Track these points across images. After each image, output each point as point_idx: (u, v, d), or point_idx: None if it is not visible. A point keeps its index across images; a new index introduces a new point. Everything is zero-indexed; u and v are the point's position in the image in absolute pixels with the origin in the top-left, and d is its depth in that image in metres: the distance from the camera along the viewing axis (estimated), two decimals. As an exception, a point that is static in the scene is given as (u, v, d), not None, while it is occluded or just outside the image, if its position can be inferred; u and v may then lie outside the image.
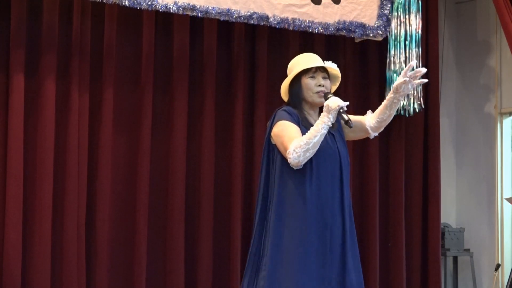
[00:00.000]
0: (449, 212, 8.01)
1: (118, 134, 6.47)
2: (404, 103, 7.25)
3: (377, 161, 7.41)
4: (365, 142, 7.30)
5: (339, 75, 4.35)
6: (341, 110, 4.07)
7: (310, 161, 4.12)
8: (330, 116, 4.05)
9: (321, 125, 4.05)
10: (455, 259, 7.84)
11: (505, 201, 7.65)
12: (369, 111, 4.37)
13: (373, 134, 4.35)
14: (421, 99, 7.32)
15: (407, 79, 4.10)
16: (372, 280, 7.23)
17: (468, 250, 7.77)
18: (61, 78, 6.22)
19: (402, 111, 7.29)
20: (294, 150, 4.05)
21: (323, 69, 4.26)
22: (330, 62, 4.29)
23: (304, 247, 4.08)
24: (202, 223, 6.63)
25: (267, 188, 4.24)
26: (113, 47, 6.40)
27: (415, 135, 7.65)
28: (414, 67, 4.13)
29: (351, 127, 4.12)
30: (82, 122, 6.26)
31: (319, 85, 4.23)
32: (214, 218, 6.70)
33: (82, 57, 6.28)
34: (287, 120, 4.18)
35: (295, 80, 4.26)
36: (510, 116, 7.84)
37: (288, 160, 4.08)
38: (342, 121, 4.15)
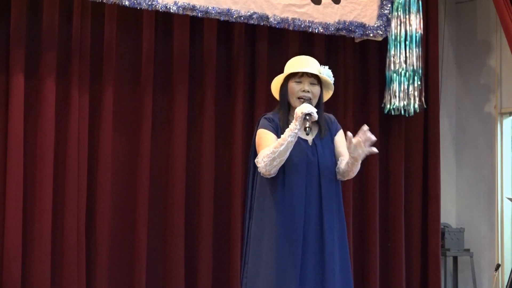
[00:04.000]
0: (449, 212, 8.00)
1: (118, 134, 6.47)
2: (404, 103, 7.24)
3: (377, 161, 7.40)
4: (365, 142, 7.30)
5: (330, 81, 4.22)
6: (307, 117, 3.97)
7: (283, 170, 4.06)
8: (297, 123, 3.98)
9: (288, 133, 3.99)
10: (455, 259, 7.83)
11: (505, 201, 7.65)
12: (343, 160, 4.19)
13: (338, 177, 4.20)
14: (421, 99, 7.31)
15: (359, 140, 3.95)
16: (372, 280, 7.23)
17: (468, 250, 7.76)
18: (61, 78, 6.22)
19: (402, 111, 7.28)
20: (262, 159, 4.01)
21: (312, 74, 4.16)
22: (326, 67, 4.21)
23: (277, 259, 4.04)
24: (202, 223, 6.63)
25: (251, 195, 4.22)
26: (113, 47, 6.40)
27: (415, 135, 7.64)
28: (366, 131, 3.96)
29: (307, 134, 4.01)
30: (82, 122, 6.26)
31: (303, 91, 4.14)
32: (214, 218, 6.70)
33: (82, 57, 6.28)
34: (266, 128, 4.14)
35: (284, 82, 4.21)
36: (510, 116, 7.83)
37: (258, 169, 4.06)
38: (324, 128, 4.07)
